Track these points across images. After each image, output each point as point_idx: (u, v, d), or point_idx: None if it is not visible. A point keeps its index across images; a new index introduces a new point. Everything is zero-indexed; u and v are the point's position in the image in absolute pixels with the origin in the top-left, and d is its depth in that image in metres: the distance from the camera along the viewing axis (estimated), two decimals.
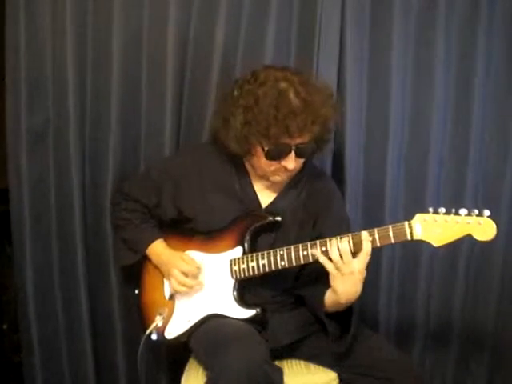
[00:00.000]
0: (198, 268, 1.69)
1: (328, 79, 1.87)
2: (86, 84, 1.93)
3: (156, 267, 1.78)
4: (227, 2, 1.89)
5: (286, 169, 1.60)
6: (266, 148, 1.57)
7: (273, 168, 1.62)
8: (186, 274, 1.67)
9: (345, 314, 1.61)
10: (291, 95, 1.53)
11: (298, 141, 1.56)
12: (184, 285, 1.67)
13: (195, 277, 1.68)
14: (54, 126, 1.95)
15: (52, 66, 1.91)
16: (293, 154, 1.57)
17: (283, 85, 1.54)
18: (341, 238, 1.52)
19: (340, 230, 1.61)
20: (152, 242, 1.77)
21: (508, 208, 2.04)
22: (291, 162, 1.58)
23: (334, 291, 1.54)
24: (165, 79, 1.90)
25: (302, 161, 1.63)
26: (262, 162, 1.61)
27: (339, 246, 1.50)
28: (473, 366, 2.18)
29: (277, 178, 1.65)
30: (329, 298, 1.59)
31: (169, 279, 1.72)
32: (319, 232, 1.69)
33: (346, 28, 1.91)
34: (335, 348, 1.63)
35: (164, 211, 1.77)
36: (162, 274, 1.76)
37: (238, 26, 1.91)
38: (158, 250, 1.77)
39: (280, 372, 1.54)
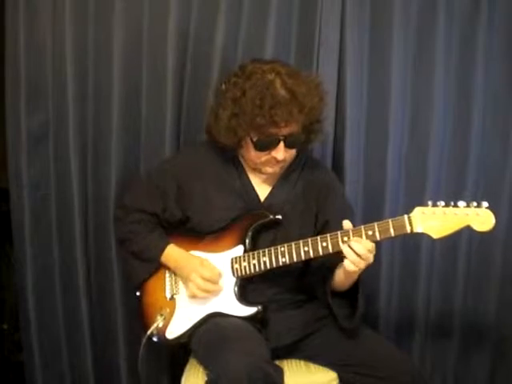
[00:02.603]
0: (220, 274, 1.67)
1: (328, 79, 1.88)
2: (86, 84, 1.93)
3: (156, 269, 1.77)
4: (227, 2, 1.89)
5: (276, 160, 1.60)
6: (254, 139, 1.58)
7: (263, 159, 1.62)
8: (207, 280, 1.65)
9: (352, 296, 1.63)
10: (277, 86, 1.53)
11: (286, 131, 1.56)
12: (205, 291, 1.65)
13: (216, 282, 1.67)
14: (54, 127, 1.96)
15: (52, 66, 1.92)
16: (282, 144, 1.58)
17: (270, 76, 1.55)
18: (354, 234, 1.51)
19: (345, 217, 1.59)
20: (165, 247, 1.74)
21: (508, 206, 2.04)
22: (281, 153, 1.58)
23: (347, 273, 1.55)
24: (165, 79, 1.91)
25: (293, 151, 1.64)
26: (251, 153, 1.62)
27: (363, 244, 1.49)
28: (473, 364, 2.18)
29: (268, 170, 1.66)
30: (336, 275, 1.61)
31: (187, 284, 1.70)
32: (324, 221, 1.70)
33: (345, 28, 1.91)
34: (346, 324, 1.64)
35: (172, 213, 1.75)
36: (164, 276, 1.76)
37: (238, 25, 1.91)
38: (174, 254, 1.73)
39: (280, 372, 1.54)
